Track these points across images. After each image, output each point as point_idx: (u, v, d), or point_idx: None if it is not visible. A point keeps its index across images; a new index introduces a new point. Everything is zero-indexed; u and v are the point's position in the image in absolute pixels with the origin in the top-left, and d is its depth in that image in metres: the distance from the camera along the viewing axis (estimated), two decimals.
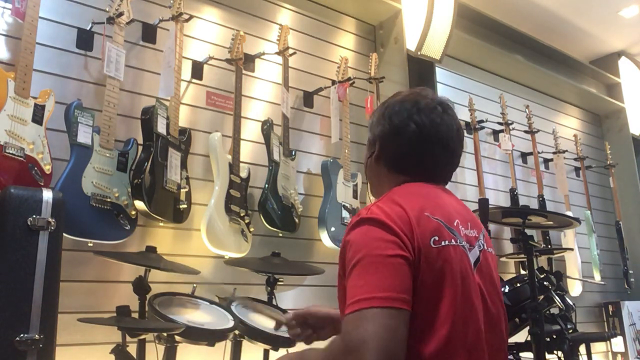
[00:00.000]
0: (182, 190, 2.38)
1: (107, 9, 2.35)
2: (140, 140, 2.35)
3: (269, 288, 2.43)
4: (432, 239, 1.12)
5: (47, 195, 1.80)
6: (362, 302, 1.01)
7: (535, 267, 2.65)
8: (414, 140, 1.25)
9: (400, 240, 1.08)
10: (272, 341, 2.13)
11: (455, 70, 4.11)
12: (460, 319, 1.10)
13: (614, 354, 4.45)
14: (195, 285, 2.25)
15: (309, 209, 2.99)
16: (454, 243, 1.15)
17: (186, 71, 2.68)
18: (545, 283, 2.73)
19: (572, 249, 4.13)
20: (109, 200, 2.17)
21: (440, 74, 3.78)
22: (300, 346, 1.42)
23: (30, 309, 1.68)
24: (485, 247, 1.26)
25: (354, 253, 1.08)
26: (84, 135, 2.14)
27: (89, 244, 2.11)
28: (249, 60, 2.92)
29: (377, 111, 1.35)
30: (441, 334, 1.07)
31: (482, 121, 3.98)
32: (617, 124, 5.34)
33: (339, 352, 1.03)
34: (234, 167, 2.58)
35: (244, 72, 2.78)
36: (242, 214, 2.56)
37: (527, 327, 2.48)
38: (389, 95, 1.37)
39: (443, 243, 1.13)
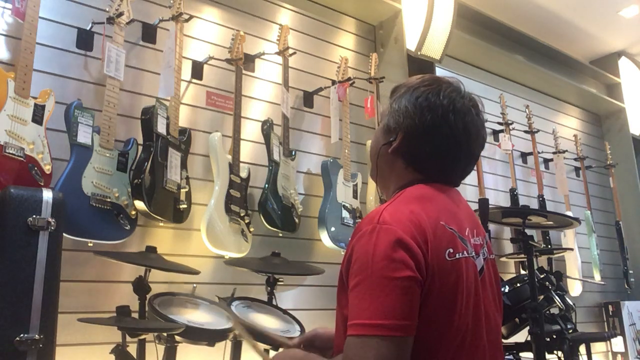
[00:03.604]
0: (182, 190, 2.38)
1: (107, 9, 2.35)
2: (140, 140, 2.35)
3: (269, 288, 2.43)
4: (447, 252, 1.08)
5: (47, 195, 1.80)
6: (366, 328, 0.99)
7: (535, 267, 2.65)
8: (444, 143, 1.17)
9: (411, 256, 1.02)
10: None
11: (455, 70, 4.11)
12: (470, 332, 1.10)
13: (614, 354, 4.44)
14: (195, 285, 2.25)
15: (309, 209, 2.99)
16: (466, 255, 1.12)
17: (186, 71, 2.68)
18: (545, 283, 2.73)
19: (572, 249, 4.13)
20: (109, 200, 2.17)
21: (440, 74, 3.78)
22: None
23: (30, 309, 1.68)
24: (488, 255, 1.24)
25: (360, 268, 1.04)
26: (84, 135, 2.13)
27: (89, 244, 2.11)
28: (249, 60, 2.92)
29: (403, 96, 1.22)
30: (454, 347, 1.07)
31: None
32: (617, 124, 5.34)
33: None
34: (234, 167, 2.58)
35: (244, 72, 2.78)
36: (242, 214, 2.56)
37: (527, 327, 2.48)
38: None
39: (457, 256, 1.10)
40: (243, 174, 2.64)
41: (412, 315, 1.01)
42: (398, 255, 1.02)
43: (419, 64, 3.49)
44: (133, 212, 2.25)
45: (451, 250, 1.09)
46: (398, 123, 1.21)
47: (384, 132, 1.25)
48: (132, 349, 1.96)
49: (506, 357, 2.67)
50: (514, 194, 4.03)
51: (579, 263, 4.24)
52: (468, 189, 3.85)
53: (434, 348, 1.05)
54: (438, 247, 1.07)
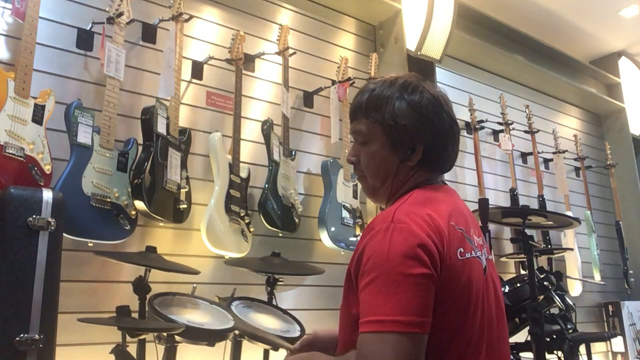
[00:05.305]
0: (182, 190, 2.38)
1: (107, 9, 2.35)
2: (140, 140, 2.35)
3: (269, 288, 2.43)
4: (459, 251, 1.09)
5: (47, 195, 1.80)
6: (383, 324, 0.98)
7: (535, 267, 2.65)
8: (452, 135, 1.23)
9: (427, 253, 1.03)
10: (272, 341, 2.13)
11: (455, 70, 4.11)
12: (478, 331, 1.10)
13: (614, 354, 4.44)
14: (195, 285, 2.25)
15: (309, 209, 2.99)
16: (473, 254, 1.14)
17: (186, 71, 2.68)
18: (545, 283, 2.73)
19: (572, 249, 4.13)
20: (109, 200, 2.17)
21: (440, 74, 3.78)
22: None
23: (30, 309, 1.68)
24: (488, 255, 1.25)
25: (374, 265, 1.03)
26: (84, 135, 2.14)
27: (89, 244, 2.11)
28: (249, 60, 2.92)
29: (394, 107, 1.18)
30: (463, 346, 1.07)
31: (482, 121, 3.98)
32: (617, 124, 5.34)
33: None
34: (234, 167, 2.58)
35: (244, 72, 2.78)
36: (242, 214, 2.56)
37: (527, 327, 2.48)
38: None
39: (467, 255, 1.11)
40: (243, 174, 2.64)
41: (428, 312, 1.02)
42: (414, 252, 1.02)
43: (418, 64, 3.49)
44: (133, 212, 2.25)
45: (462, 250, 1.10)
46: (410, 135, 1.18)
47: (392, 149, 1.20)
48: (132, 349, 1.96)
49: None
50: (514, 194, 4.03)
51: (579, 263, 4.24)
52: (468, 189, 3.85)
53: (444, 347, 1.05)
54: (452, 246, 1.08)
